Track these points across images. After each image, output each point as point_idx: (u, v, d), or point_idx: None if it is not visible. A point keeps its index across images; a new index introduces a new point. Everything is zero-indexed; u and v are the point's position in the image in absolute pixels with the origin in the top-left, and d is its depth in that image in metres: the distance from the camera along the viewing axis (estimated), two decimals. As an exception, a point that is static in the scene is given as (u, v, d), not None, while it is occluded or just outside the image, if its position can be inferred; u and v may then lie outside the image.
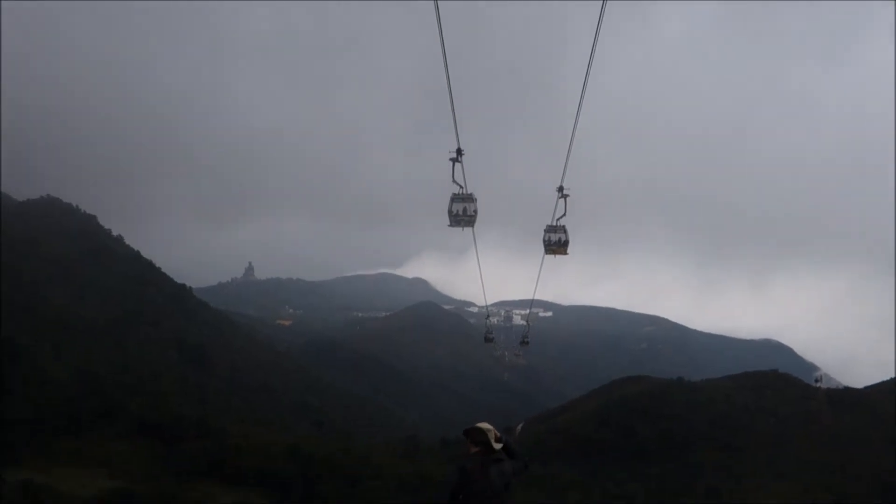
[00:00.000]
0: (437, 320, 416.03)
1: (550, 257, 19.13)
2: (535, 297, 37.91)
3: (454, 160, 14.49)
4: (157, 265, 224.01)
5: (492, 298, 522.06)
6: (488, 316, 64.78)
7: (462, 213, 16.00)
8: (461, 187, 15.51)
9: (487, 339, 55.14)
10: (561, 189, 16.99)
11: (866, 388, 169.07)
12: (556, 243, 18.37)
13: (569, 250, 18.57)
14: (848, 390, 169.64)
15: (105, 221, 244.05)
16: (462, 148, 14.41)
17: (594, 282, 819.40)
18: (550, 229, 18.29)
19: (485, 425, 7.46)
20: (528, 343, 52.99)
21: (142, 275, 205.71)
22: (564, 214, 17.75)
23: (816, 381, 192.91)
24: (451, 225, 16.10)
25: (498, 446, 7.34)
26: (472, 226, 16.28)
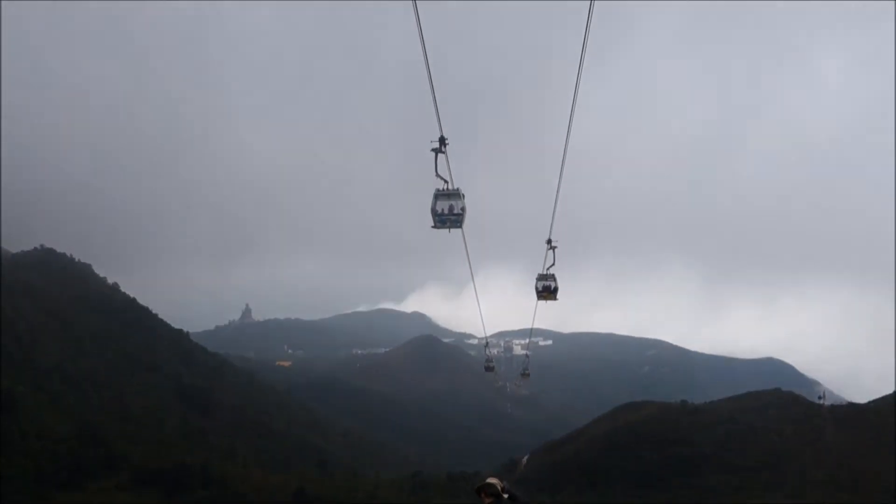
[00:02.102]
0: (438, 354, 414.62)
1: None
2: (535, 326, 39.06)
3: (437, 150, 12.47)
4: (154, 311, 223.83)
5: (491, 329, 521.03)
6: (487, 345, 65.00)
7: (448, 211, 13.86)
8: (446, 182, 13.45)
9: (488, 368, 55.14)
10: (549, 242, 18.07)
11: (870, 402, 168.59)
12: (546, 290, 20.30)
13: (558, 296, 20.50)
14: (851, 405, 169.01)
15: (100, 269, 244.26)
16: (445, 136, 12.24)
17: (594, 308, 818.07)
18: (541, 278, 20.11)
19: (493, 480, 8.86)
20: (528, 375, 53.72)
21: (139, 321, 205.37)
22: (553, 264, 19.12)
23: (820, 398, 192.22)
24: (434, 226, 14.03)
25: (505, 496, 8.70)
26: (461, 226, 14.13)
